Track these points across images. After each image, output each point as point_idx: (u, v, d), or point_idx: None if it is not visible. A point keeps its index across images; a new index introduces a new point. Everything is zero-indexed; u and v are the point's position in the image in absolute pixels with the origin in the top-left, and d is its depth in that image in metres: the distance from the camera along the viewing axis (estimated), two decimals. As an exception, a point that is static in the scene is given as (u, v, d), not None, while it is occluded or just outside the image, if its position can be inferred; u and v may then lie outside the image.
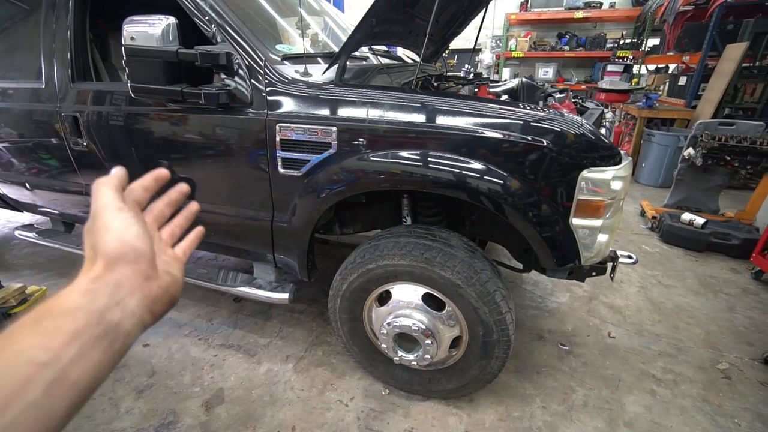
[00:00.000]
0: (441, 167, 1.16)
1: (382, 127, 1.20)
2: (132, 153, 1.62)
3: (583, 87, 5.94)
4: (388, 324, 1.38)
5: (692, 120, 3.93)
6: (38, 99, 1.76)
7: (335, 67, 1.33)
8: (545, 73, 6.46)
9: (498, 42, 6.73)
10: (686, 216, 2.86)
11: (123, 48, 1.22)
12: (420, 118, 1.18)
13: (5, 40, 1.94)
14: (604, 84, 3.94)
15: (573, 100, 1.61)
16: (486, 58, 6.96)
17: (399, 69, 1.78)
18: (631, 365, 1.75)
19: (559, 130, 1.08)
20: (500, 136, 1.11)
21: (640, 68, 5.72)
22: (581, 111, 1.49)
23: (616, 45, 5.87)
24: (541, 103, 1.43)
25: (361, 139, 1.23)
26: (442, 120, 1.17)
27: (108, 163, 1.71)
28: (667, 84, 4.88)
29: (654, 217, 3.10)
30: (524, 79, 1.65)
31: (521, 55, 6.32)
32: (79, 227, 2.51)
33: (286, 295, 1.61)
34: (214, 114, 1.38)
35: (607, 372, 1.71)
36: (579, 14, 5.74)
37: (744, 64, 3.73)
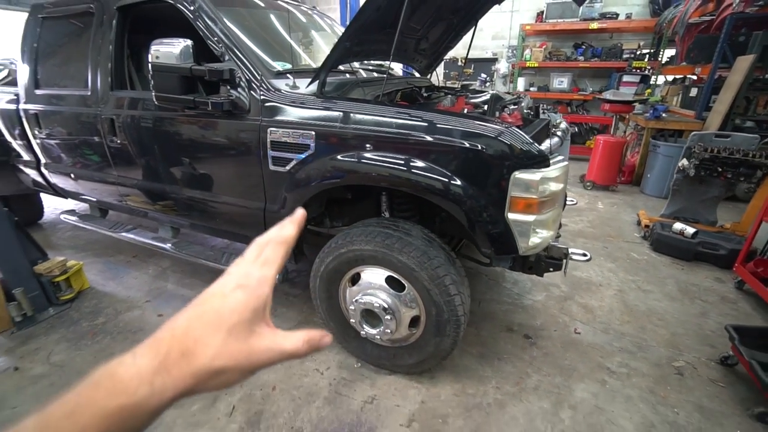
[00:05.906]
0: (385, 165, 1.38)
1: (349, 132, 1.43)
2: (155, 149, 1.94)
3: (590, 97, 5.98)
4: (356, 301, 1.60)
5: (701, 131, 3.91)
6: (85, 104, 2.13)
7: (317, 81, 1.57)
8: (560, 82, 6.48)
9: (514, 52, 6.83)
10: (677, 225, 2.90)
11: (150, 64, 1.53)
12: (378, 125, 1.41)
13: (62, 53, 2.34)
14: (607, 95, 4.00)
15: (527, 111, 1.78)
16: (502, 67, 7.07)
17: (377, 82, 2.01)
18: (589, 358, 1.86)
19: (492, 137, 1.27)
20: (438, 140, 1.32)
21: (656, 79, 5.66)
22: (529, 121, 1.67)
23: (632, 55, 5.84)
24: (497, 113, 1.61)
25: (333, 142, 1.46)
26: (395, 126, 1.39)
27: (137, 158, 2.04)
28: (680, 95, 4.83)
29: (647, 226, 3.14)
30: (494, 92, 1.83)
31: (536, 64, 6.38)
32: (113, 214, 2.89)
33: (276, 276, 1.86)
34: (219, 119, 1.67)
35: (564, 362, 1.84)
36: (594, 25, 5.76)
37: (757, 76, 3.69)
